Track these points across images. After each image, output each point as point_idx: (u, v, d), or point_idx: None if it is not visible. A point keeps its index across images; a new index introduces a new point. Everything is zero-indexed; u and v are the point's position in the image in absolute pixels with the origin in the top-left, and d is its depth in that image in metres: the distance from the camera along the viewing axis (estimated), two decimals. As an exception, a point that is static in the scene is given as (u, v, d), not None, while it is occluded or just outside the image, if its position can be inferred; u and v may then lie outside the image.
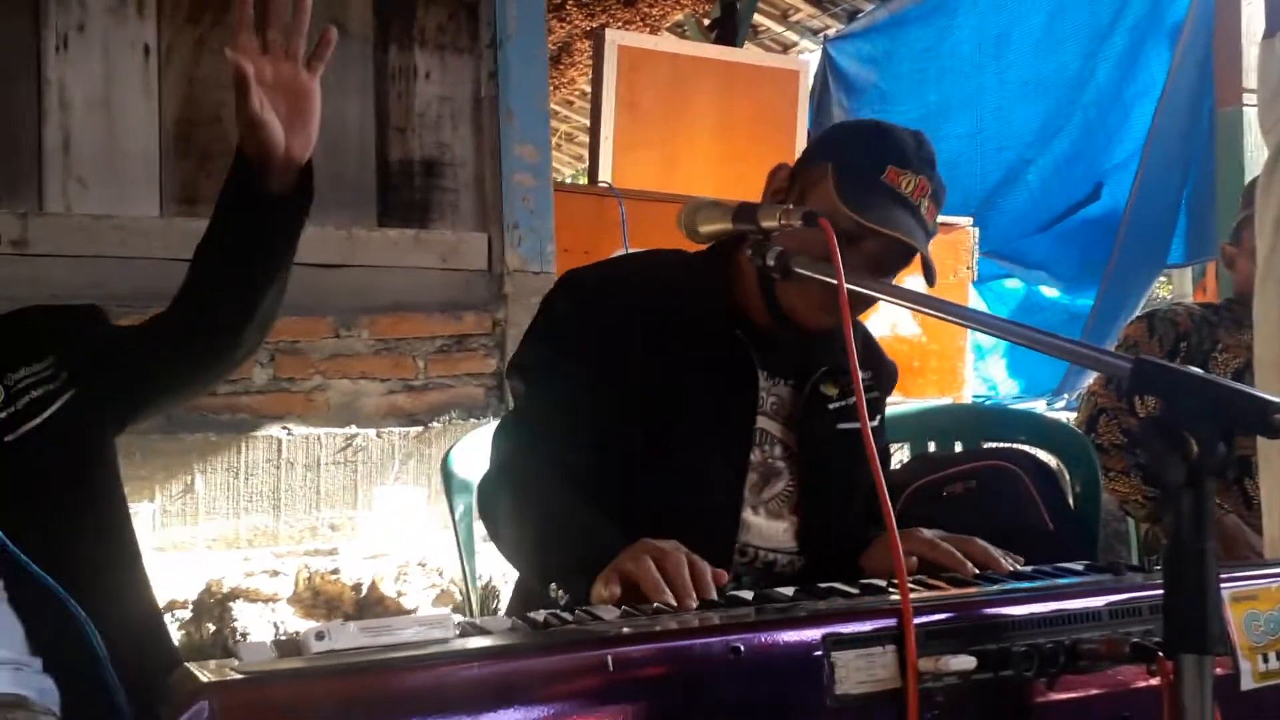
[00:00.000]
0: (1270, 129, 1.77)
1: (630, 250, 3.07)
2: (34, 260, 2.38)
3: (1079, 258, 5.55)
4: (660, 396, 1.54)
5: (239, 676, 0.87)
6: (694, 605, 1.14)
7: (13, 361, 1.48)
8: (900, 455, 2.50)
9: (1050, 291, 5.88)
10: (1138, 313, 3.33)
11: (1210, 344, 2.48)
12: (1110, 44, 5.64)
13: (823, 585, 1.20)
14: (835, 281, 1.25)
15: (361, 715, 0.86)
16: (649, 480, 1.52)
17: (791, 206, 1.39)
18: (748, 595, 1.20)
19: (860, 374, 1.65)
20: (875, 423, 1.72)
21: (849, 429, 1.65)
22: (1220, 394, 0.94)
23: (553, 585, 1.32)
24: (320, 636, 0.99)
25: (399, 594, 2.35)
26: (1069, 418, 2.90)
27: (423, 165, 2.85)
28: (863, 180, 1.51)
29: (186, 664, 0.95)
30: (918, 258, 1.52)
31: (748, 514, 1.58)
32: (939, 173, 1.58)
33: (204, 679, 0.85)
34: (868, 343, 1.78)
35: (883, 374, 1.76)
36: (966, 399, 3.69)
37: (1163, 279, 6.54)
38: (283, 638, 1.03)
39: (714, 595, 1.18)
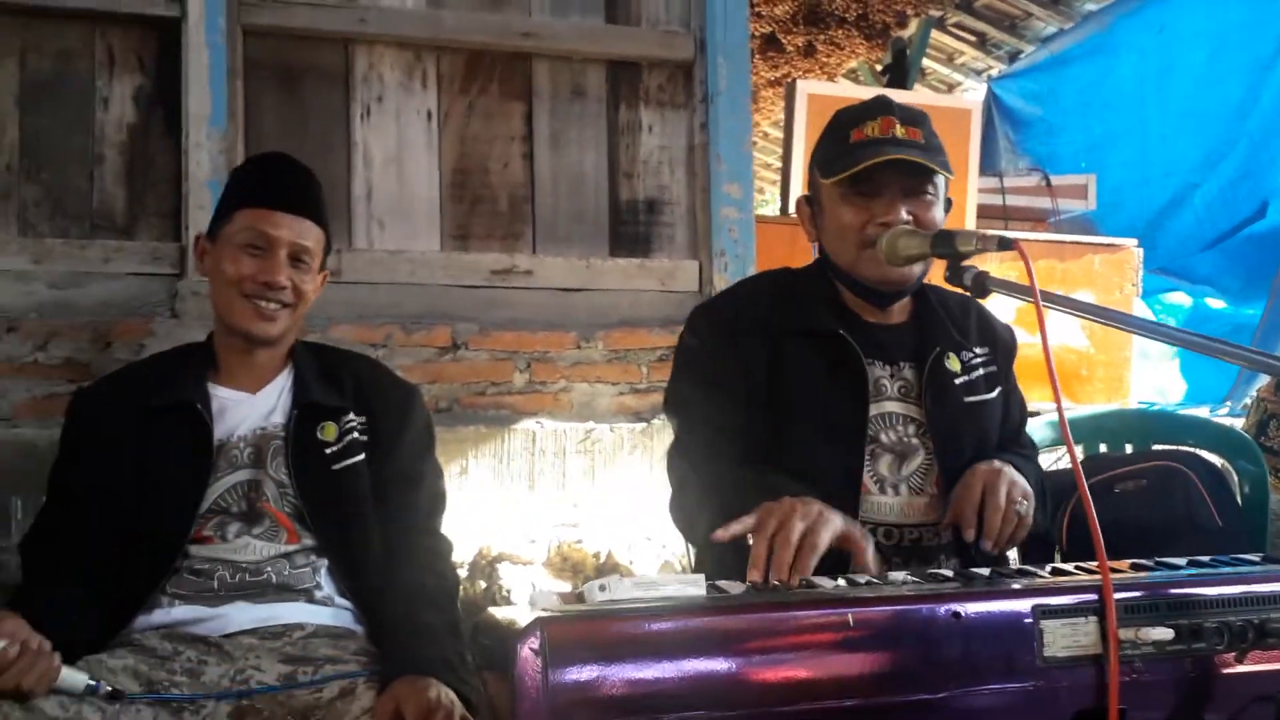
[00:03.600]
0: None
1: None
2: (345, 286, 2.60)
3: (1245, 272, 5.24)
4: (781, 400, 1.55)
5: (555, 614, 0.98)
6: (776, 582, 1.16)
7: (348, 406, 1.66)
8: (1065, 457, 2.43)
9: (1216, 304, 5.55)
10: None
11: None
12: (1273, 73, 5.30)
13: (1017, 568, 1.20)
14: (1029, 299, 1.26)
15: (653, 649, 0.95)
16: (778, 476, 1.50)
17: (988, 233, 1.40)
18: (948, 573, 1.22)
19: (976, 350, 1.65)
20: (994, 394, 1.65)
21: (975, 401, 1.61)
22: None
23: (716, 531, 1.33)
24: (602, 589, 1.09)
25: (630, 562, 2.45)
26: (1237, 423, 2.74)
27: (646, 204, 2.96)
28: (837, 153, 1.55)
29: (491, 610, 1.07)
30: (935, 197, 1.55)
31: (887, 495, 1.55)
32: (910, 109, 1.58)
33: (536, 615, 0.96)
34: (980, 317, 1.71)
35: (998, 346, 1.70)
36: (1131, 405, 3.54)
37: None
38: (548, 591, 1.13)
39: (788, 579, 1.18)
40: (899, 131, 1.53)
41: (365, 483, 1.63)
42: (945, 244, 1.40)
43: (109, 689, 1.35)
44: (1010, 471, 1.48)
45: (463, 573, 2.37)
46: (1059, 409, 1.19)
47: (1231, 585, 1.06)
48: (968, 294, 1.38)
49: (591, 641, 0.94)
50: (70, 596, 1.49)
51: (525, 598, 2.20)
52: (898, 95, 4.69)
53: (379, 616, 1.55)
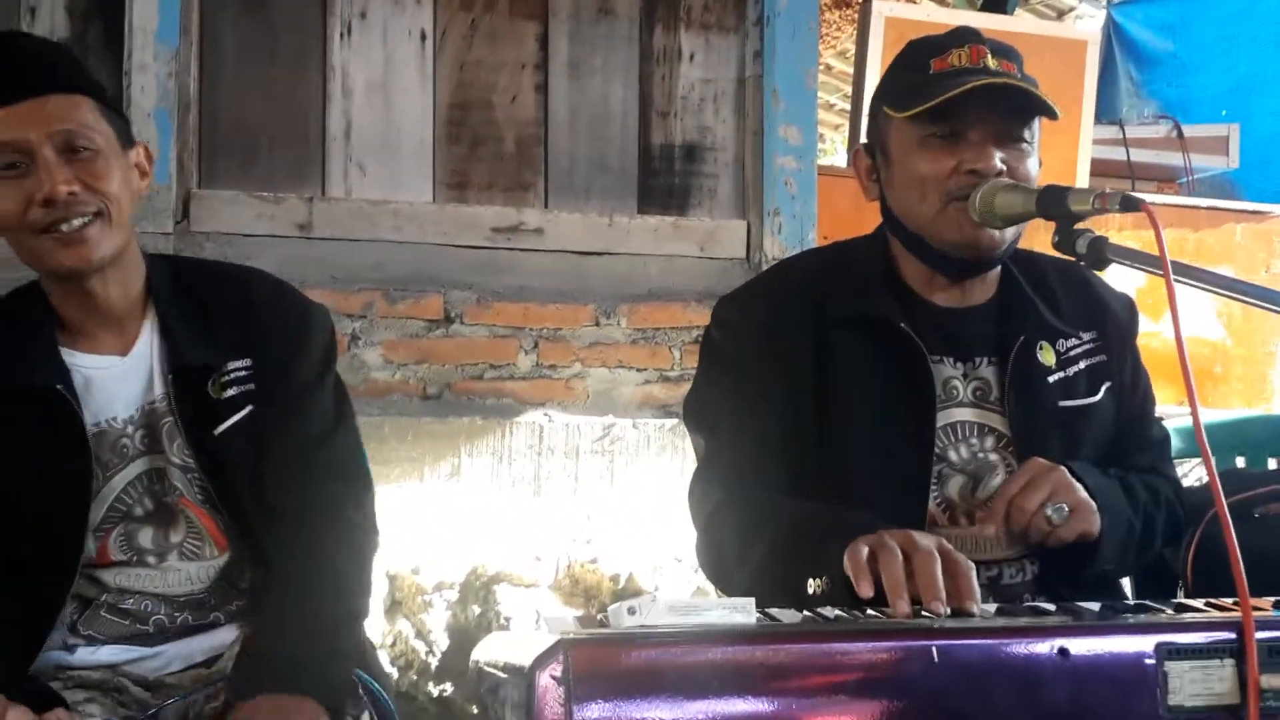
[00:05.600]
0: None
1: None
2: (317, 243, 2.64)
3: None
4: (828, 410, 1.54)
5: (580, 637, 1.00)
6: (944, 611, 1.12)
7: (231, 352, 1.57)
8: (1200, 473, 2.44)
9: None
10: None
11: None
12: None
13: (1134, 603, 1.21)
14: (1158, 272, 1.27)
15: (695, 682, 0.96)
16: (828, 494, 1.50)
17: (1108, 190, 1.40)
18: (1050, 606, 1.23)
19: (1082, 336, 1.64)
20: (1100, 394, 1.63)
21: (1074, 406, 1.59)
22: None
23: (810, 580, 1.30)
24: (631, 612, 1.11)
25: (656, 588, 2.47)
26: None
27: (683, 150, 2.98)
28: (915, 84, 1.54)
29: (497, 632, 1.09)
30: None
31: (959, 527, 1.54)
32: (1001, 42, 1.58)
33: (559, 637, 0.98)
34: (1089, 290, 1.69)
35: (1108, 331, 1.67)
36: (1278, 410, 3.54)
37: None
38: (560, 617, 1.15)
39: (975, 602, 1.15)
40: (991, 62, 1.53)
41: (254, 444, 1.56)
42: (1055, 202, 1.40)
43: None
44: (1066, 475, 1.48)
45: (453, 595, 2.41)
46: (1194, 413, 1.19)
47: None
48: (1076, 263, 1.39)
49: (624, 670, 0.95)
50: None
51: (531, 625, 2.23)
52: (996, 21, 4.69)
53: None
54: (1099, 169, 3.99)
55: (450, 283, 2.68)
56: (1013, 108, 1.53)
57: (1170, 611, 1.15)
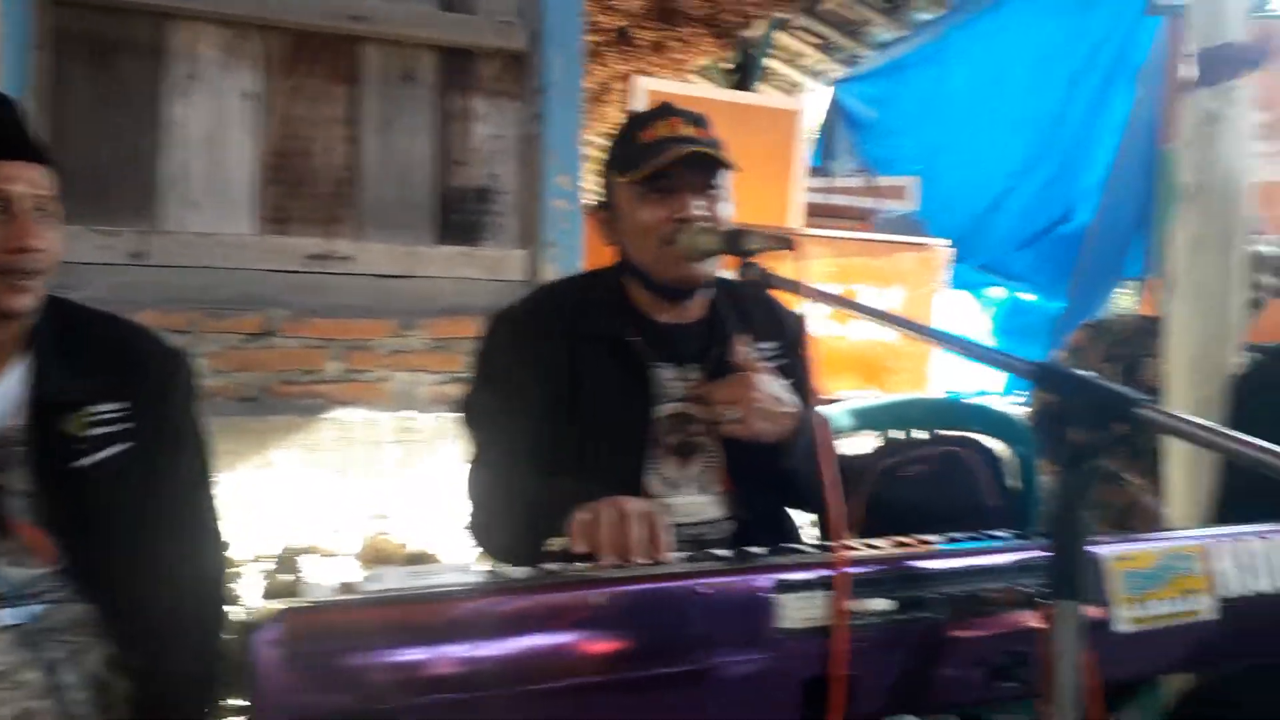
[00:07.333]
0: (1185, 170, 1.82)
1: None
2: (152, 269, 2.49)
3: (1053, 269, 5.61)
4: (573, 407, 1.55)
5: (305, 604, 0.97)
6: (643, 563, 1.15)
7: (101, 393, 1.45)
8: (872, 441, 2.55)
9: (1028, 298, 5.95)
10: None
11: (1143, 351, 2.48)
12: (1083, 86, 5.66)
13: (785, 546, 1.26)
14: (799, 295, 1.32)
15: (393, 636, 0.94)
16: (576, 476, 1.50)
17: (771, 233, 1.44)
18: (725, 553, 1.25)
19: (767, 345, 1.70)
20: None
21: None
22: (1098, 391, 0.97)
23: (549, 540, 1.31)
24: (372, 577, 1.09)
25: (443, 552, 2.43)
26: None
27: (475, 193, 2.95)
28: (629, 155, 1.59)
29: (269, 600, 1.05)
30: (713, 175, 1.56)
31: (674, 496, 1.57)
32: (691, 111, 1.63)
33: (279, 607, 0.95)
34: (770, 309, 1.74)
35: (787, 338, 1.71)
36: (934, 394, 3.74)
37: (1128, 290, 6.54)
38: (323, 582, 1.12)
39: (668, 556, 1.18)
40: (685, 130, 1.58)
41: (128, 480, 1.46)
42: (736, 242, 1.45)
43: None
44: (777, 386, 1.52)
45: (270, 565, 2.31)
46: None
47: (955, 559, 1.13)
48: (763, 287, 1.43)
49: (338, 631, 0.92)
50: None
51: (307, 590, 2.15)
52: (735, 95, 4.83)
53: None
54: (813, 210, 4.14)
55: (270, 302, 2.57)
56: (704, 165, 1.57)
57: (793, 553, 1.18)
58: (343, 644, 0.91)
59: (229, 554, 1.59)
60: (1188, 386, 1.75)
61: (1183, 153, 1.83)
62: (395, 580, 1.05)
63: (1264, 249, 2.41)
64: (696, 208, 1.56)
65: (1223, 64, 1.71)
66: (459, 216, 2.92)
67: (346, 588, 1.09)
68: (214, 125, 2.65)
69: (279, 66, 2.72)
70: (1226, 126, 1.73)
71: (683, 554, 1.23)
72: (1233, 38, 1.72)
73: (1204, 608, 1.19)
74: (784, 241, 1.41)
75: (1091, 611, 1.13)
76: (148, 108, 2.59)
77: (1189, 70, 1.79)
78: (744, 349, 1.59)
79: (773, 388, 1.54)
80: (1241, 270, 1.77)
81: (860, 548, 1.18)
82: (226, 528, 1.59)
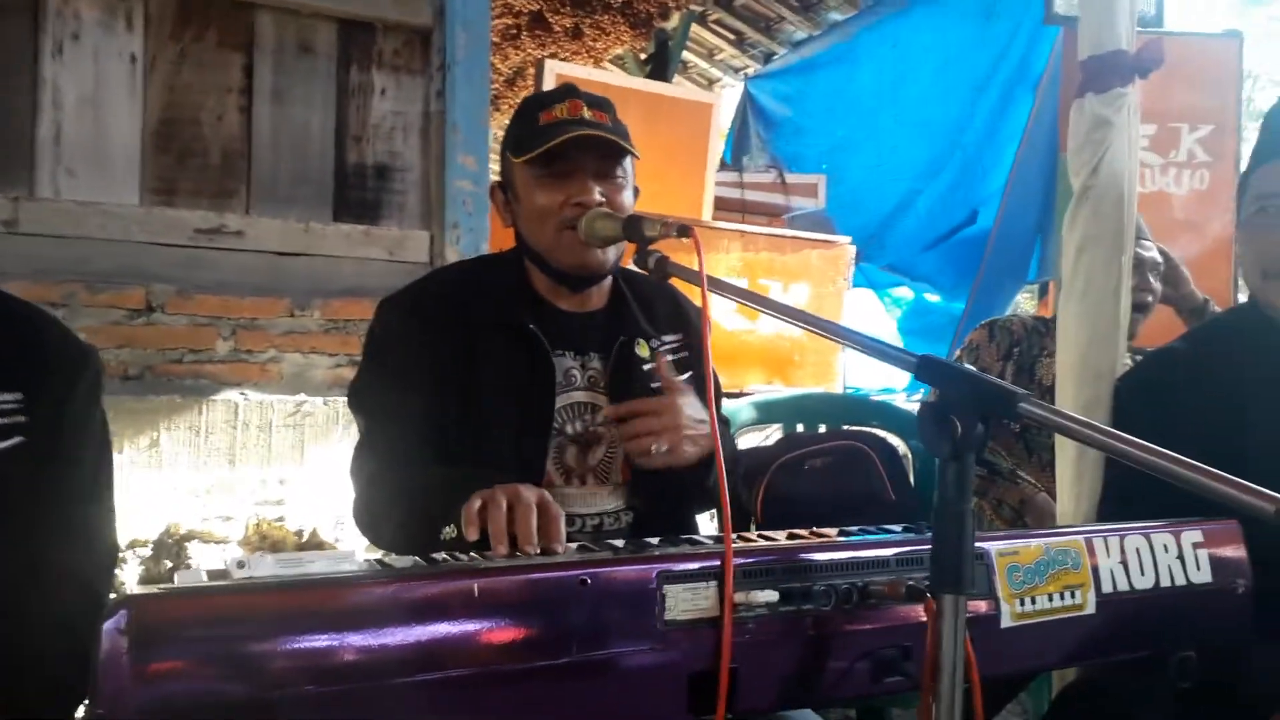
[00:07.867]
0: (1076, 174, 1.85)
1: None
2: (24, 239, 2.34)
3: (955, 271, 5.76)
4: (469, 395, 1.51)
5: (159, 592, 0.91)
6: (535, 552, 1.12)
7: None
8: (773, 434, 2.57)
9: (933, 298, 6.09)
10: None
11: (1039, 351, 2.54)
12: (986, 93, 5.81)
13: (672, 538, 1.23)
14: (696, 283, 1.30)
15: (251, 626, 0.89)
16: (469, 464, 1.46)
17: (670, 221, 1.43)
18: (618, 543, 1.23)
19: (670, 337, 1.70)
20: (684, 378, 1.64)
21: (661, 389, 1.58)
22: (980, 385, 0.97)
23: (445, 529, 1.27)
24: (241, 565, 1.02)
25: (337, 540, 2.35)
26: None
27: (375, 170, 2.86)
28: (528, 134, 1.55)
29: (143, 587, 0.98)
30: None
31: (572, 486, 1.55)
32: (596, 95, 1.60)
33: (130, 594, 0.89)
34: (673, 302, 1.73)
35: (690, 330, 1.70)
36: (838, 389, 3.79)
37: (1029, 293, 6.76)
38: (196, 570, 1.05)
39: (561, 543, 1.15)
40: (587, 114, 1.54)
41: (11, 479, 1.33)
42: (635, 228, 1.41)
43: None
44: (696, 405, 1.49)
45: (147, 551, 2.20)
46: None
47: (840, 551, 1.13)
48: (666, 279, 1.40)
49: (188, 620, 0.87)
50: None
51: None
52: (652, 85, 4.81)
53: None
54: (722, 204, 4.14)
55: (154, 276, 2.45)
56: (606, 151, 1.54)
57: (681, 544, 1.16)
58: (191, 633, 0.86)
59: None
60: (1076, 386, 1.79)
61: (1073, 156, 1.87)
62: (266, 568, 1.00)
63: (1152, 254, 2.49)
64: (595, 193, 1.53)
65: (1111, 70, 1.75)
66: (357, 194, 2.82)
67: (216, 575, 1.03)
68: (95, 88, 2.50)
69: (166, 30, 2.58)
70: (1115, 132, 1.77)
71: (576, 544, 1.20)
72: (1122, 46, 1.76)
73: (1086, 603, 1.21)
74: (683, 230, 1.39)
75: (979, 606, 1.15)
76: (24, 68, 2.43)
77: (1079, 76, 1.83)
78: (666, 370, 1.57)
79: (694, 408, 1.50)
80: (1129, 272, 1.82)
81: (752, 539, 1.18)
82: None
